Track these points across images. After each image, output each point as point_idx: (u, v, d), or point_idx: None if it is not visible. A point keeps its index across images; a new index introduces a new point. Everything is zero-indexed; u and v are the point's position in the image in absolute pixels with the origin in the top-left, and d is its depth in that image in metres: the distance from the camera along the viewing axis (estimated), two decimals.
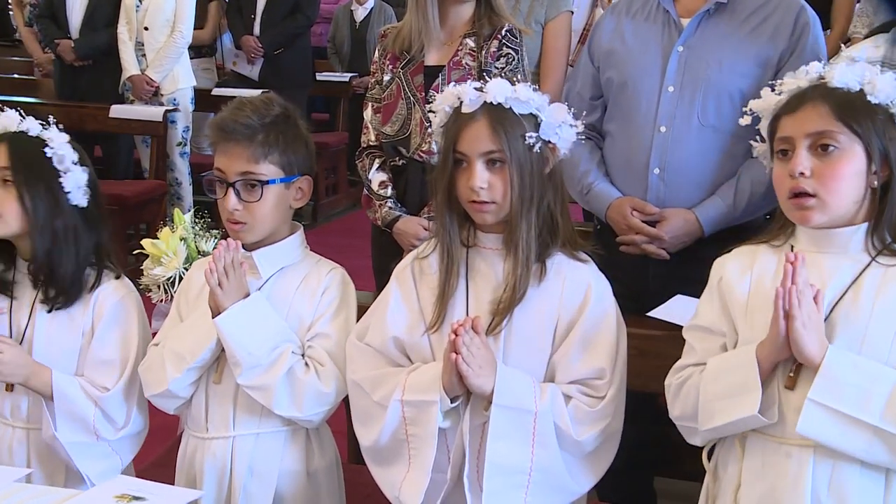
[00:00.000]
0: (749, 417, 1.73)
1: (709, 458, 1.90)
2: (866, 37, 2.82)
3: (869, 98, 1.76)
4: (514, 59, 2.76)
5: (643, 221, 2.50)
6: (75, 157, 2.15)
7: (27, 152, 2.14)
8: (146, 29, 5.81)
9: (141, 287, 2.42)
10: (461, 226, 1.98)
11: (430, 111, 2.03)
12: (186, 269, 2.34)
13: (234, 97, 2.17)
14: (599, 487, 2.15)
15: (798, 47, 2.43)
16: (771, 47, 2.44)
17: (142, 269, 2.49)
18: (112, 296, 2.19)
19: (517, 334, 1.92)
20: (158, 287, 2.46)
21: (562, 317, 1.93)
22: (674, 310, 2.30)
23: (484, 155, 1.89)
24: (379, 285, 2.84)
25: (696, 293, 1.97)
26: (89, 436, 2.15)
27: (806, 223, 1.79)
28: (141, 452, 2.31)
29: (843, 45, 4.15)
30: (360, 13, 7.59)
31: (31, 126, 2.17)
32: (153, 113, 5.70)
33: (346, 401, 2.10)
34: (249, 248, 2.10)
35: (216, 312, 2.02)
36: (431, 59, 2.82)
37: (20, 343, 2.17)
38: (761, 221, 2.48)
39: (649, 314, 2.33)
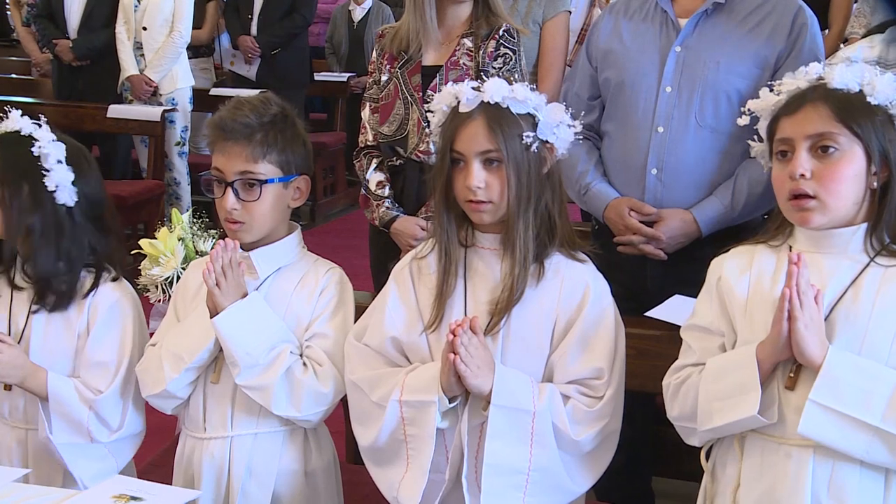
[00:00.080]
0: (749, 418, 1.73)
1: (706, 459, 1.90)
2: (863, 37, 2.82)
3: (868, 99, 1.75)
4: (511, 59, 2.76)
5: (641, 222, 2.50)
6: (61, 155, 2.14)
7: (13, 151, 2.14)
8: (144, 29, 5.80)
9: (139, 287, 2.42)
10: (459, 226, 1.98)
11: (428, 111, 2.03)
12: (184, 269, 2.34)
13: (233, 97, 2.17)
14: (598, 487, 2.16)
15: (796, 47, 2.44)
16: (769, 47, 2.45)
17: (140, 269, 2.48)
18: (107, 298, 2.19)
19: (515, 334, 1.92)
20: (156, 287, 2.45)
21: (560, 317, 1.93)
22: (672, 310, 2.30)
23: (481, 154, 1.89)
24: (377, 285, 2.84)
25: (694, 293, 1.97)
26: (83, 438, 2.15)
27: (806, 225, 1.79)
28: (139, 452, 2.30)
29: (841, 44, 4.16)
30: (357, 13, 7.59)
31: (24, 125, 2.17)
32: (151, 113, 5.69)
33: (344, 401, 2.10)
34: (247, 248, 2.10)
35: (214, 312, 2.02)
36: (429, 59, 2.82)
37: (18, 343, 2.16)
38: (759, 221, 2.48)
39: (647, 314, 2.33)
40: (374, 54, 2.94)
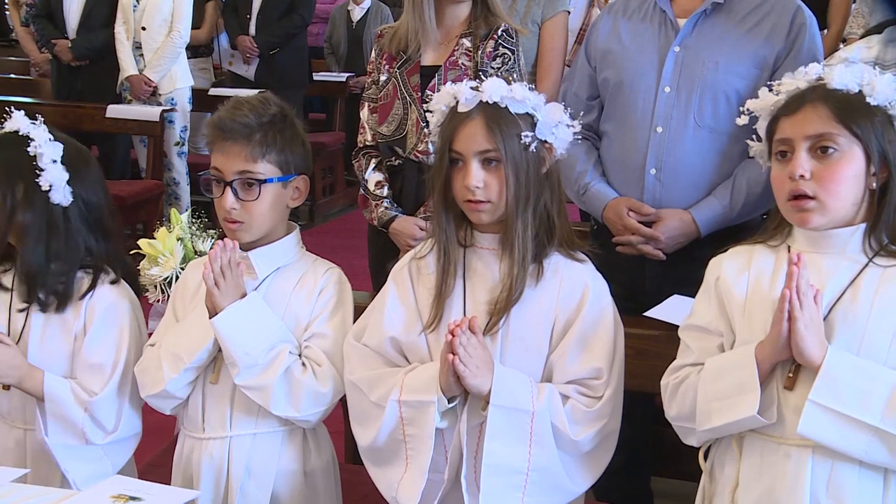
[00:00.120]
0: (748, 418, 1.73)
1: (705, 459, 1.90)
2: (861, 37, 2.83)
3: (868, 100, 1.76)
4: (510, 59, 2.76)
5: (640, 222, 2.50)
6: (56, 155, 2.13)
7: (11, 150, 2.14)
8: (143, 29, 5.80)
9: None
10: (458, 226, 1.98)
11: (427, 111, 2.02)
12: (183, 269, 2.34)
13: (231, 97, 2.17)
14: (596, 487, 2.16)
15: (794, 48, 2.43)
16: (767, 47, 2.44)
17: (139, 270, 2.48)
18: (104, 300, 2.18)
19: (514, 334, 1.92)
20: (155, 287, 2.45)
21: (559, 317, 1.93)
22: (671, 310, 2.30)
23: (479, 154, 1.89)
24: (376, 285, 2.84)
25: (693, 293, 1.97)
26: (78, 439, 2.15)
27: (805, 225, 1.79)
28: (138, 452, 2.30)
29: (841, 44, 4.15)
30: (356, 13, 7.59)
31: (22, 124, 2.17)
32: (150, 113, 5.69)
33: (343, 401, 2.10)
34: (245, 248, 2.10)
35: (213, 313, 2.02)
36: (428, 60, 2.82)
37: (17, 343, 2.16)
38: (758, 222, 2.48)
39: (646, 314, 2.33)
40: (373, 54, 2.94)
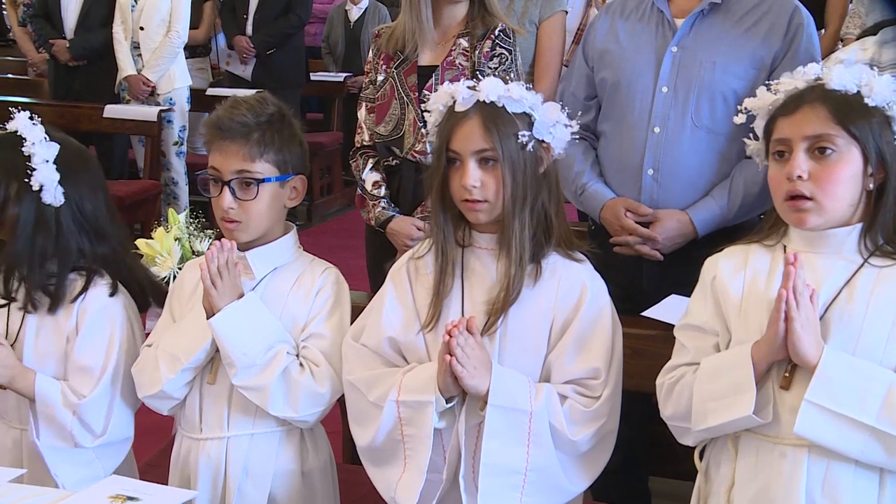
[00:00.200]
0: (743, 418, 1.73)
1: (700, 458, 1.90)
2: (858, 38, 2.83)
3: (866, 100, 1.76)
4: (507, 59, 2.76)
5: (637, 222, 2.50)
6: (49, 156, 2.13)
7: (7, 150, 2.14)
8: (142, 29, 5.80)
9: None
10: (456, 225, 1.98)
11: (424, 111, 2.02)
12: (181, 269, 2.34)
13: (229, 97, 2.17)
14: (594, 487, 2.16)
15: (792, 48, 2.44)
16: (765, 48, 2.45)
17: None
18: (96, 302, 2.17)
19: (512, 334, 1.92)
20: None
21: (557, 316, 1.93)
22: (668, 310, 2.30)
23: (476, 153, 1.89)
24: (373, 285, 2.84)
25: (690, 293, 1.97)
26: (68, 442, 2.14)
27: (802, 226, 1.79)
28: (136, 452, 2.30)
29: (839, 43, 4.16)
30: (354, 13, 7.58)
31: (21, 124, 2.17)
32: (147, 113, 5.69)
33: (341, 401, 2.09)
34: (243, 248, 2.10)
35: (210, 313, 2.02)
36: (425, 60, 2.82)
37: (13, 345, 2.16)
38: (755, 222, 2.48)
39: (644, 314, 2.33)
40: (371, 54, 2.94)
